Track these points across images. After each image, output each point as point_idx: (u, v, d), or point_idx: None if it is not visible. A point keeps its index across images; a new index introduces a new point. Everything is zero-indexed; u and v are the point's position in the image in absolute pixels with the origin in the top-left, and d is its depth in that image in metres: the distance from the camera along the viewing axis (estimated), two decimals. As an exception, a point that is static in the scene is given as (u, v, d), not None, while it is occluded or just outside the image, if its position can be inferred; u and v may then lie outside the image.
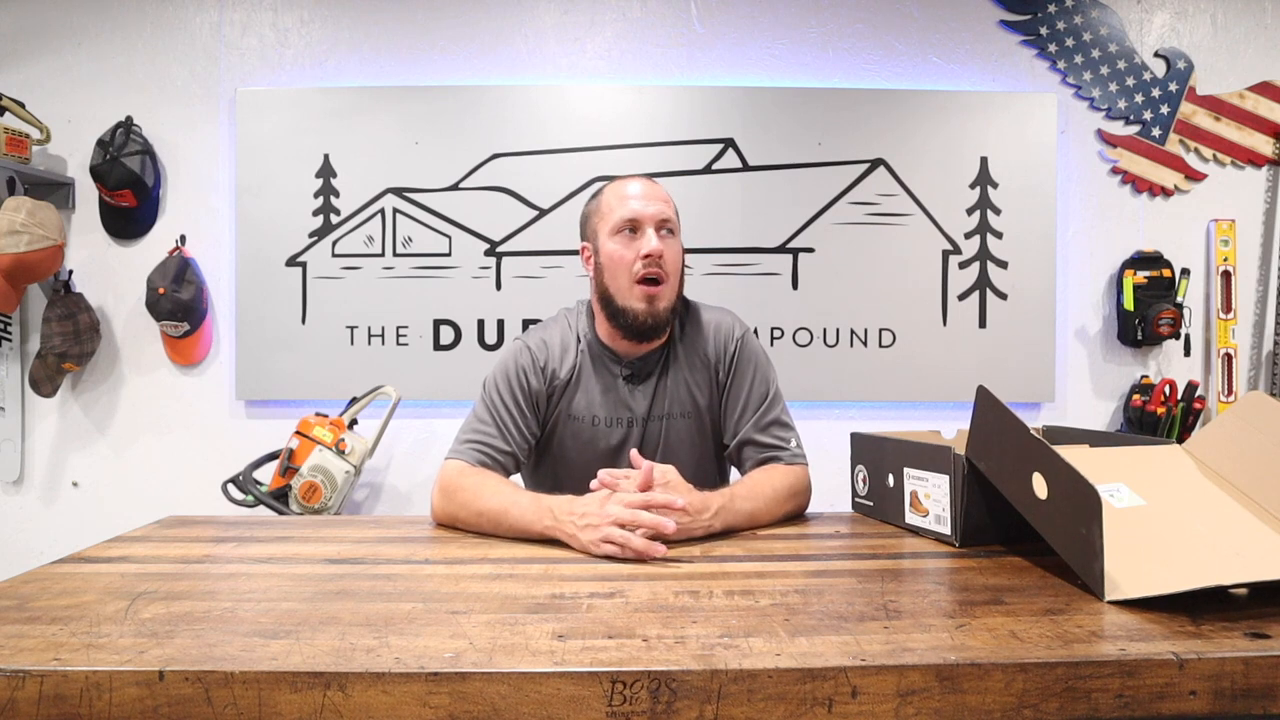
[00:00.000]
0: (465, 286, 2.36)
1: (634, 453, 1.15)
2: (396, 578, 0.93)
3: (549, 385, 1.34)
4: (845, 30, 2.42)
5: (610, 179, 1.41)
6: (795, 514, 1.27)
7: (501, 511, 1.13)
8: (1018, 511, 0.95)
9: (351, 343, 2.36)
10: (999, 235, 2.39)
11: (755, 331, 1.44)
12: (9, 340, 2.36)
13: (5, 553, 2.37)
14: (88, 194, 2.35)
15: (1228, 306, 2.40)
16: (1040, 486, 0.90)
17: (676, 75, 2.41)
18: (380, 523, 1.27)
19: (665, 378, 1.36)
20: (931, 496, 1.09)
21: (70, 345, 2.23)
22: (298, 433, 2.11)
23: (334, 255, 2.35)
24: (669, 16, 2.40)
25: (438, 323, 2.37)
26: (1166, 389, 2.28)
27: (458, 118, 2.35)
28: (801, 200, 2.38)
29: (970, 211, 2.40)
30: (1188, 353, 2.38)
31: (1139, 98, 2.42)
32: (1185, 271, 2.35)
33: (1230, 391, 2.40)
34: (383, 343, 2.36)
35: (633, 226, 1.29)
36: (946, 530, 1.07)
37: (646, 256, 1.27)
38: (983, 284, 2.40)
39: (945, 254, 2.40)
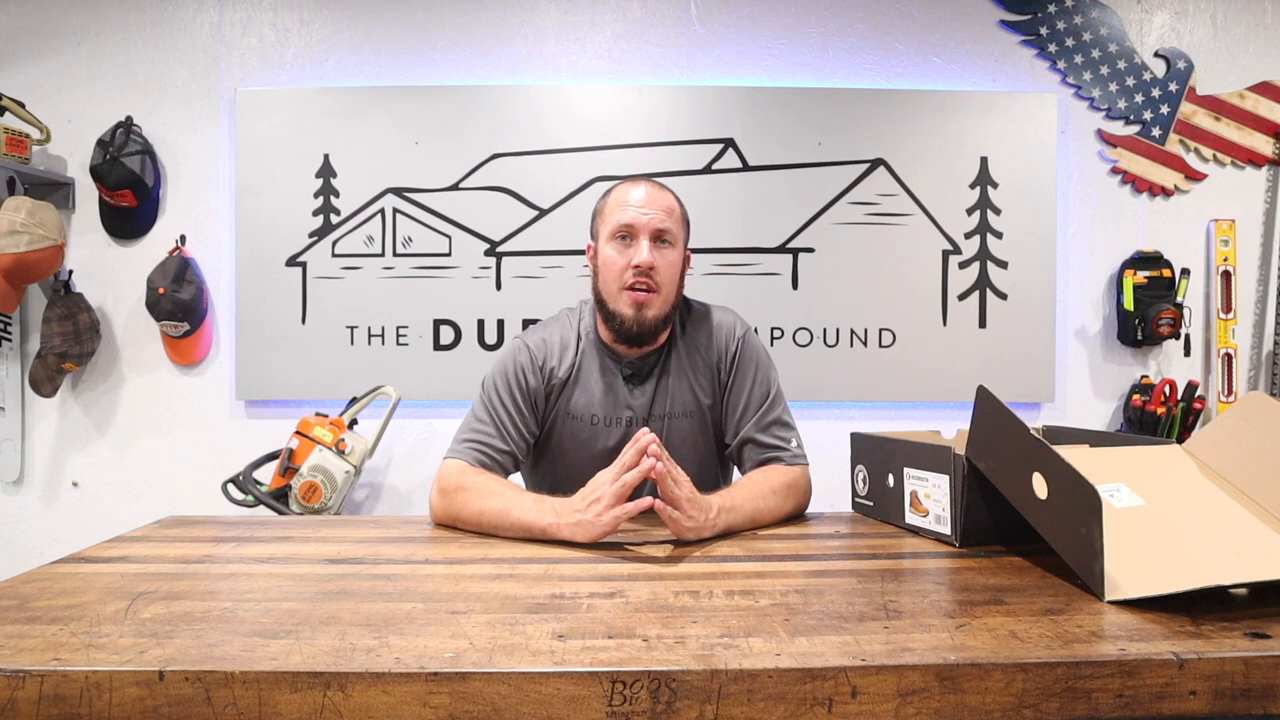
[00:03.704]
0: (465, 286, 2.36)
1: (637, 441, 1.07)
2: (396, 578, 0.93)
3: (548, 384, 1.35)
4: (845, 30, 2.42)
5: (610, 179, 1.41)
6: (795, 514, 1.27)
7: (502, 511, 1.13)
8: (1018, 511, 0.95)
9: (351, 343, 2.36)
10: (999, 235, 2.39)
11: (755, 331, 1.44)
12: (9, 340, 2.36)
13: (5, 553, 2.37)
14: (88, 194, 2.35)
15: (1228, 306, 2.40)
16: (1040, 486, 0.90)
17: (676, 75, 2.41)
18: (380, 523, 1.27)
19: (666, 377, 1.36)
20: (931, 496, 1.09)
21: (70, 345, 2.23)
22: (298, 433, 2.11)
23: (334, 255, 2.35)
24: (669, 16, 2.40)
25: (438, 323, 2.37)
26: (1166, 389, 2.28)
27: (458, 118, 2.35)
28: (801, 200, 2.38)
29: (970, 211, 2.40)
30: (1188, 353, 2.38)
31: (1139, 98, 2.42)
32: (1185, 271, 2.35)
33: (1230, 391, 2.39)
34: (383, 343, 2.36)
35: (627, 234, 1.29)
36: (946, 530, 1.07)
37: (636, 267, 1.27)
38: (983, 284, 2.40)
39: (945, 254, 2.40)
